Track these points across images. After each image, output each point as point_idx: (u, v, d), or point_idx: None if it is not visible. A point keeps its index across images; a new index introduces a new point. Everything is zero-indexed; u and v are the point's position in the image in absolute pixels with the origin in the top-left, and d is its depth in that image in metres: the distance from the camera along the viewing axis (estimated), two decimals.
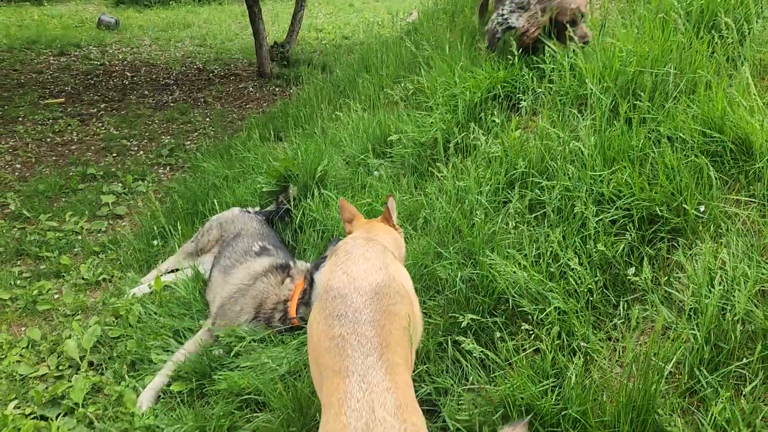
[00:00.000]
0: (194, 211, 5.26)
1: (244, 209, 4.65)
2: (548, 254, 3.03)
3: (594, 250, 2.90)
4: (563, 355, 2.70)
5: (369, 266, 2.48)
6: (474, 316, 2.83)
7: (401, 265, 2.74)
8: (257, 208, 4.74)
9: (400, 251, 2.90)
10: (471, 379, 2.86)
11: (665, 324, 2.71)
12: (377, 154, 4.54)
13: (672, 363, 2.49)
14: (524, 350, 2.78)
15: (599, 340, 2.76)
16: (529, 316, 2.89)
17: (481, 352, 2.67)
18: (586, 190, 3.18)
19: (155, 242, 5.31)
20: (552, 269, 2.98)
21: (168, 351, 3.92)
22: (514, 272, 2.89)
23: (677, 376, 2.55)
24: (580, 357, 2.66)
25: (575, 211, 3.08)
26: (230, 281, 4.04)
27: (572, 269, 2.89)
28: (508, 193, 3.51)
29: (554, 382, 2.62)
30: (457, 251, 3.40)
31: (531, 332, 2.86)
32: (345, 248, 2.61)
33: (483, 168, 3.70)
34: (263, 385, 3.13)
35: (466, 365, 2.95)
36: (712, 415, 2.29)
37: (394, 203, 2.96)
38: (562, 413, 2.47)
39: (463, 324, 2.74)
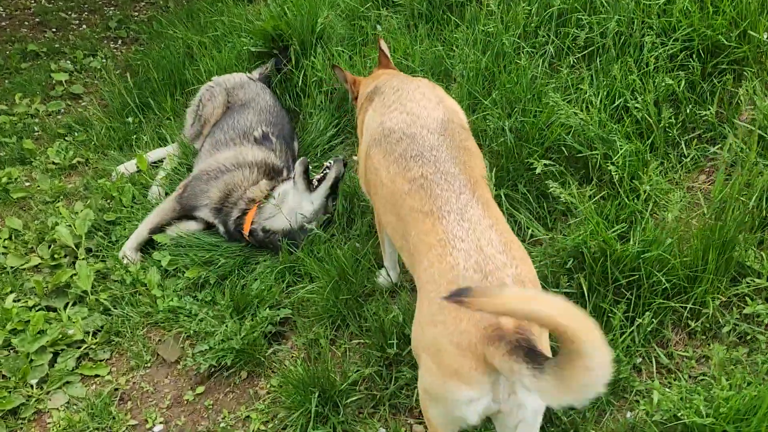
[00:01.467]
0: (171, 82, 4.72)
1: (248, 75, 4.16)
2: (605, 95, 2.80)
3: (661, 83, 2.66)
4: (632, 200, 2.55)
5: (427, 102, 2.24)
6: (547, 161, 2.61)
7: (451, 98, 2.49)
8: (255, 74, 4.24)
9: None
10: (530, 231, 2.71)
11: (735, 159, 2.57)
12: (383, 3, 4.06)
13: (752, 198, 2.37)
14: (590, 198, 2.61)
15: (669, 181, 2.61)
16: (590, 162, 2.71)
17: (564, 194, 2.46)
18: (641, 23, 2.90)
19: (129, 119, 4.80)
20: (609, 111, 2.77)
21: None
22: (576, 114, 2.65)
23: (752, 210, 2.45)
24: (650, 200, 2.52)
25: (631, 43, 2.81)
26: (215, 157, 3.68)
27: (636, 108, 2.67)
28: (545, 35, 3.19)
29: (625, 226, 2.49)
30: (493, 101, 3.12)
31: (597, 178, 2.69)
32: (391, 86, 2.34)
33: (513, 6, 3.33)
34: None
35: (522, 218, 2.78)
36: None
37: (385, 44, 2.69)
38: (641, 256, 2.34)
39: (538, 170, 2.53)
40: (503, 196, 2.77)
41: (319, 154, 3.76)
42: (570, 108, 2.65)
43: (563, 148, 2.79)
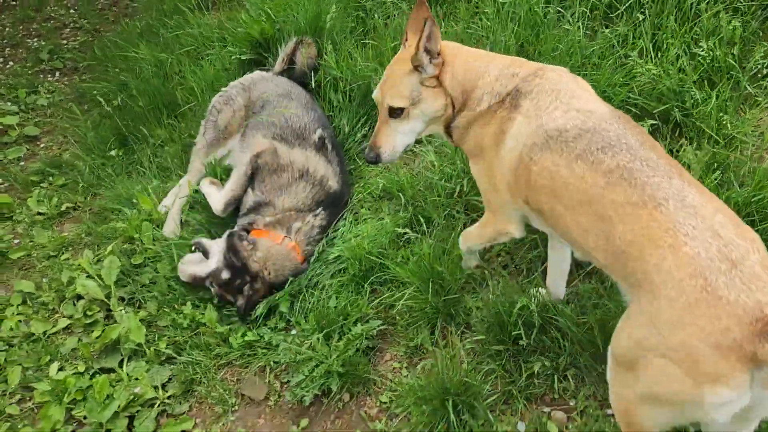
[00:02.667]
0: (155, 106, 4.37)
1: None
2: (660, 47, 2.81)
3: (728, 26, 2.68)
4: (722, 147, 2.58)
5: (590, 96, 2.11)
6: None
7: None
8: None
9: None
10: None
11: None
12: None
13: None
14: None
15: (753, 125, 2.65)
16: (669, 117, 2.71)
17: None
18: None
19: (113, 152, 4.43)
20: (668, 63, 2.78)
21: None
22: (648, 70, 2.64)
23: None
24: (736, 144, 2.56)
25: None
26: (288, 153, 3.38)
27: (700, 55, 2.69)
28: None
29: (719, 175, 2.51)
30: None
31: (671, 131, 2.70)
32: (544, 89, 2.07)
33: None
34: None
35: None
36: None
37: (435, 27, 2.15)
38: (753, 200, 2.37)
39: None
40: None
41: (354, 157, 3.58)
42: (643, 64, 2.62)
43: (630, 108, 2.78)
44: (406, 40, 2.32)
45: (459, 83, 2.21)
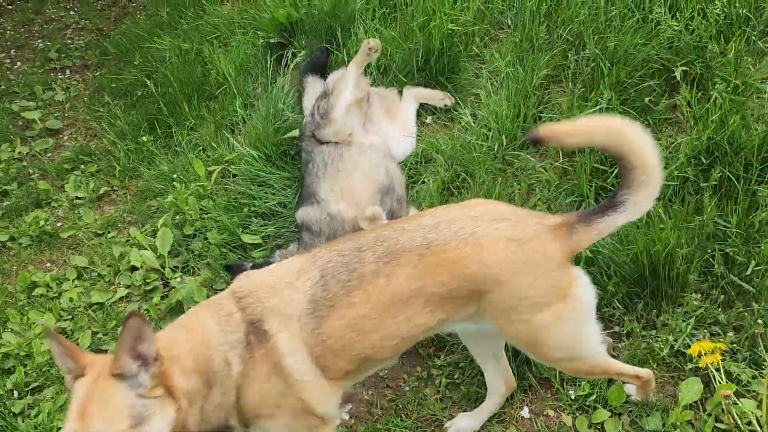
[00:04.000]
0: (185, 92, 4.54)
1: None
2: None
3: None
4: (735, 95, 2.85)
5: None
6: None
7: None
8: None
9: None
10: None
11: None
12: None
13: None
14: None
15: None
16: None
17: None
18: None
19: (144, 138, 4.59)
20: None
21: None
22: (672, 27, 2.92)
23: None
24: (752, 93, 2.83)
25: None
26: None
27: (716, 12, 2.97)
28: None
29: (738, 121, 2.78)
30: (560, 37, 3.35)
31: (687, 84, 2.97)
32: (260, 296, 1.97)
33: None
34: None
35: None
36: None
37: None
38: None
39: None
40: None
41: None
42: (668, 19, 2.89)
43: (652, 64, 3.06)
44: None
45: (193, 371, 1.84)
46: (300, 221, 3.15)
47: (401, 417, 2.70)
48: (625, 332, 2.67)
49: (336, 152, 3.23)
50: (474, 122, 3.38)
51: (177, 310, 3.26)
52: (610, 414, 2.41)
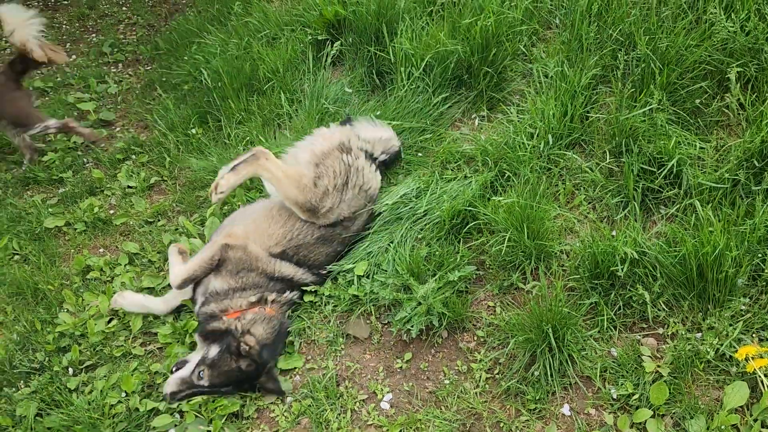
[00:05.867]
0: (234, 86, 4.65)
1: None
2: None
3: None
4: None
5: None
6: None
7: None
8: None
9: None
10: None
11: None
12: None
13: None
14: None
15: None
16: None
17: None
18: None
19: (194, 130, 4.72)
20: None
21: None
22: (727, 28, 2.88)
23: None
24: None
25: None
26: None
27: None
28: None
29: None
30: (609, 37, 3.33)
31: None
32: None
33: None
34: None
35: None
36: None
37: None
38: None
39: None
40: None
41: (429, 123, 3.81)
42: (723, 19, 2.86)
43: (705, 66, 3.02)
44: None
45: None
46: None
47: (441, 409, 2.74)
48: (669, 333, 2.66)
49: None
50: (519, 121, 3.39)
51: None
52: (652, 414, 2.41)
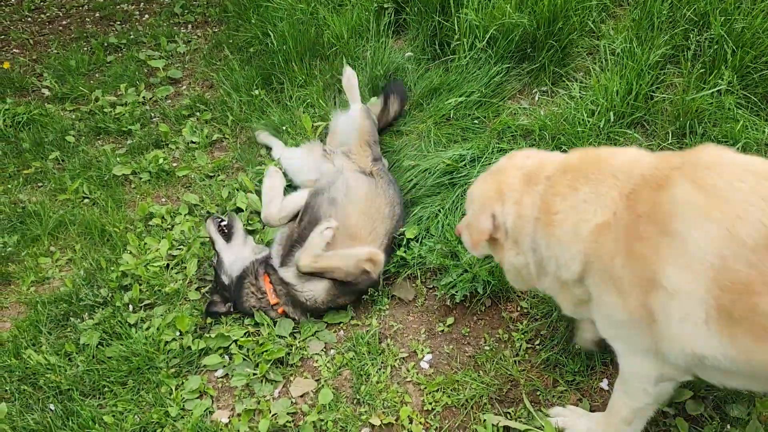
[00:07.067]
0: (298, 50, 4.74)
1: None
2: None
3: None
4: None
5: None
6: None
7: None
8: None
9: None
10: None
11: None
12: None
13: None
14: None
15: None
16: None
17: None
18: None
19: (256, 91, 4.84)
20: None
21: None
22: None
23: None
24: None
25: None
26: None
27: None
28: None
29: None
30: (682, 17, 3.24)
31: None
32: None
33: None
34: None
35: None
36: None
37: None
38: None
39: None
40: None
41: (488, 94, 3.80)
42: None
43: None
44: None
45: None
46: None
47: (479, 373, 2.79)
48: None
49: None
50: (581, 97, 3.35)
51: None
52: (692, 395, 2.39)
